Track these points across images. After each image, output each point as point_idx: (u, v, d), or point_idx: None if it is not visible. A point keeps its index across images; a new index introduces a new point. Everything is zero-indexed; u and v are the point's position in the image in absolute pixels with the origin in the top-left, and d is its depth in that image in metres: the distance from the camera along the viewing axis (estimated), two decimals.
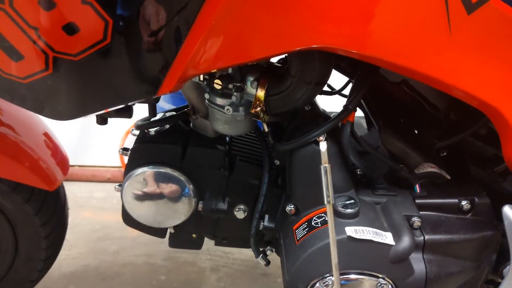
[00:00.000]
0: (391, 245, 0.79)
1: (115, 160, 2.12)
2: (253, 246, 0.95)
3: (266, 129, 0.86)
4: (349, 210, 0.82)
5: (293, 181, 0.89)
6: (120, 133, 2.12)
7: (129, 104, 0.73)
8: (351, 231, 0.79)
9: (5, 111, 1.05)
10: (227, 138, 1.00)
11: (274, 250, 0.98)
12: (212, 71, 0.75)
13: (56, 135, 1.18)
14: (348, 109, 0.83)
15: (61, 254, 1.21)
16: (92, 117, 0.84)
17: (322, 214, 0.85)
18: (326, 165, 0.66)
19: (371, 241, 0.79)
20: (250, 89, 0.82)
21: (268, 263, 0.98)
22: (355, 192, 0.87)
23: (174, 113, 0.99)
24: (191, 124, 1.00)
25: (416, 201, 0.85)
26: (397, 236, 0.79)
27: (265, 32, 0.65)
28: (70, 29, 0.61)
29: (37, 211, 1.06)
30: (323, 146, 0.66)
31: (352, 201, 0.84)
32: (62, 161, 1.14)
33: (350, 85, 1.01)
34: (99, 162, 2.16)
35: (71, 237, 1.54)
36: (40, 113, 0.71)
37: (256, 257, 0.97)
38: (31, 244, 1.10)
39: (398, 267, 0.80)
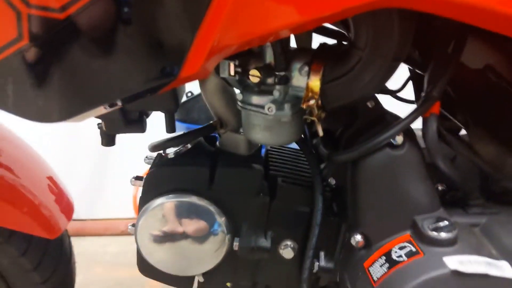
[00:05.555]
0: None
1: (130, 211, 2.04)
2: None
3: (321, 133, 0.65)
4: (444, 235, 0.61)
5: (360, 202, 0.69)
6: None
7: (139, 95, 0.52)
8: (455, 262, 0.57)
9: (5, 151, 0.96)
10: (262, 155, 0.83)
11: None
12: (252, 42, 0.55)
13: (62, 180, 1.08)
14: (432, 97, 0.62)
15: None
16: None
17: (405, 244, 0.64)
18: None
19: (485, 275, 0.56)
20: (298, 79, 0.63)
21: None
22: (445, 211, 0.66)
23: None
24: (217, 143, 0.82)
25: None
26: None
27: None
28: None
29: (36, 265, 0.93)
30: None
31: (446, 222, 0.62)
32: (67, 207, 1.04)
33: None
34: (112, 214, 2.09)
35: None
36: (10, 111, 0.51)
37: None
38: None
39: None
